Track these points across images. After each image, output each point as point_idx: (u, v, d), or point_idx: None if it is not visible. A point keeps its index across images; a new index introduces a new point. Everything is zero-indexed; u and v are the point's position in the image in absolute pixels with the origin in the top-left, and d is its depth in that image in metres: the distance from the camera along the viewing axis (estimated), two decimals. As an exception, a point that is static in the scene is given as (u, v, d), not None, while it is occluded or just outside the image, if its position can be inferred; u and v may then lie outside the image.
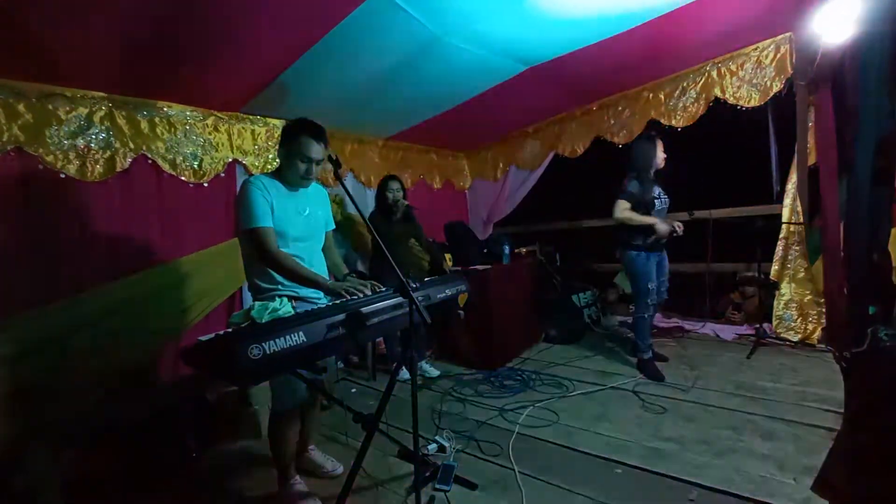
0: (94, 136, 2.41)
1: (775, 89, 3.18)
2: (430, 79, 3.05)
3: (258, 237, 1.64)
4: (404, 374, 3.03)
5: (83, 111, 2.38)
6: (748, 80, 3.29)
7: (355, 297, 1.58)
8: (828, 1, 2.43)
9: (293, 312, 1.46)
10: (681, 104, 3.63)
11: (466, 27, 2.46)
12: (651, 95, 3.81)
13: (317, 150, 1.72)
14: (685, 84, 3.60)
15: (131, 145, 2.54)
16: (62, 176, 2.31)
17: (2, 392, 1.97)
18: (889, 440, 1.00)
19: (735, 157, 4.06)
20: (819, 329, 3.13)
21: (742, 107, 3.32)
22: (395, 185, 3.09)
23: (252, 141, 3.16)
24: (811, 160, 3.20)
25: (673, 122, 3.66)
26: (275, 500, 1.87)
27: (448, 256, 3.90)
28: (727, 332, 3.62)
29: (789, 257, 3.27)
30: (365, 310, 1.45)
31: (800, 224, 3.18)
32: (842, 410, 1.44)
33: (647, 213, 2.81)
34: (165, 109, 2.70)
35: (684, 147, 3.35)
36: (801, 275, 3.22)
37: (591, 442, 2.16)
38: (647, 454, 2.01)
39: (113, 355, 2.27)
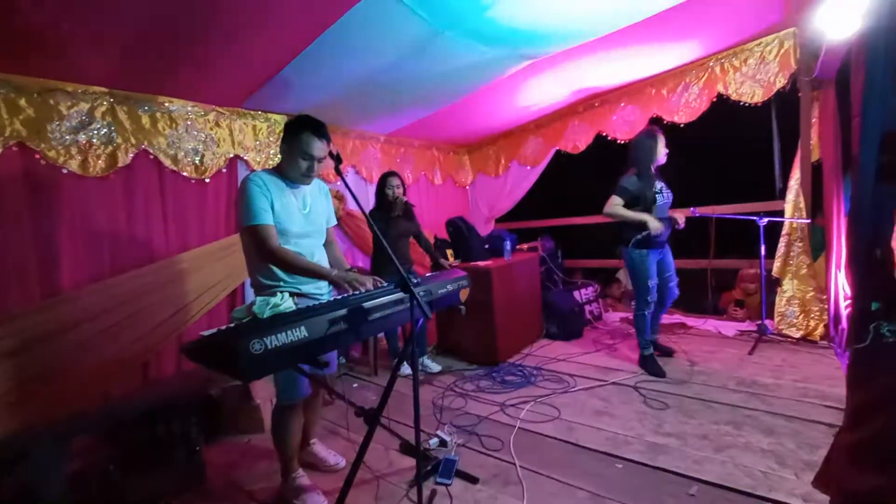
0: (95, 132, 2.41)
1: (779, 85, 3.17)
2: (431, 74, 3.03)
3: (258, 234, 1.64)
4: (406, 369, 3.04)
5: (84, 106, 2.37)
6: (751, 76, 3.28)
7: (357, 292, 1.59)
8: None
9: (295, 308, 1.46)
10: (683, 100, 3.62)
11: (467, 21, 2.45)
12: (654, 91, 3.79)
13: (319, 147, 1.71)
14: (688, 80, 3.58)
15: (133, 140, 2.54)
16: (64, 171, 2.31)
17: (5, 386, 1.98)
18: (891, 436, 1.00)
19: (738, 154, 4.04)
20: (821, 326, 3.13)
21: (745, 103, 3.31)
22: (394, 181, 3.04)
23: (253, 136, 3.15)
24: (815, 156, 3.19)
25: (676, 119, 3.65)
26: (278, 494, 1.89)
27: (450, 252, 3.90)
28: (729, 328, 3.63)
29: (792, 254, 3.27)
30: (367, 305, 1.45)
31: (802, 220, 3.17)
32: (843, 407, 1.44)
33: (648, 208, 2.78)
34: (167, 104, 2.69)
35: (687, 143, 3.33)
36: (804, 271, 3.22)
37: (592, 437, 2.17)
38: (647, 449, 2.02)
39: (114, 350, 2.28)
